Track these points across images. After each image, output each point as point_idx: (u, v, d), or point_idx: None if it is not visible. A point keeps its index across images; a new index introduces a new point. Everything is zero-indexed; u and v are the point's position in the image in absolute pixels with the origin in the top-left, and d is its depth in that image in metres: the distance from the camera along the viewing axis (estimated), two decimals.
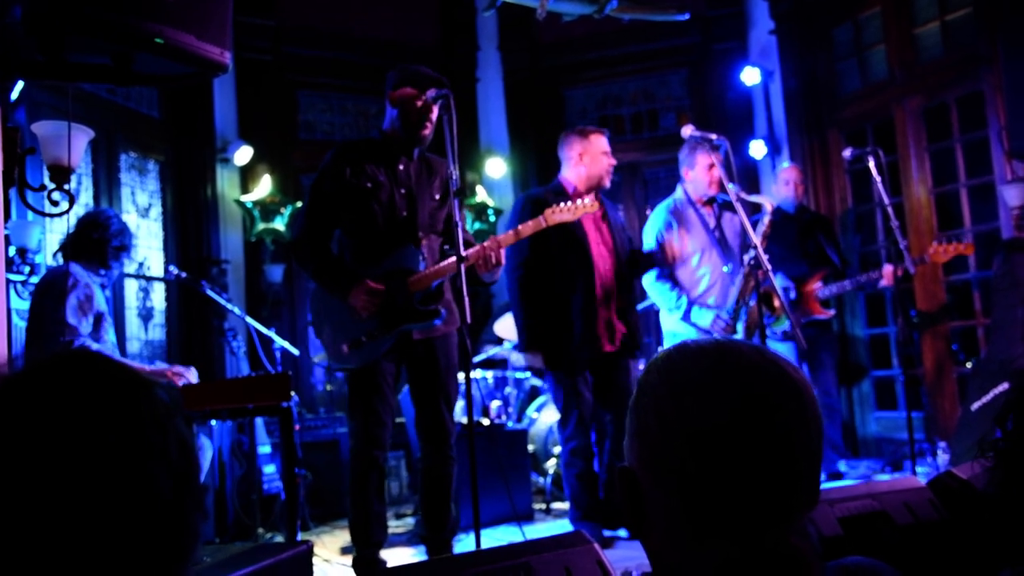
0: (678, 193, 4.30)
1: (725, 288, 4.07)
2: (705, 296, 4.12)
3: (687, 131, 3.84)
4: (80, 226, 3.75)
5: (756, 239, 3.72)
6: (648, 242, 4.24)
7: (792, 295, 4.80)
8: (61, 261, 3.85)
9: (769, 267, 3.67)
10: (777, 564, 0.84)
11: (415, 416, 3.43)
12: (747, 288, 3.91)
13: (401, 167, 3.40)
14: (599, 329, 3.85)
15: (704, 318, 4.02)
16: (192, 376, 3.69)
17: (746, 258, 3.82)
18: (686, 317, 4.06)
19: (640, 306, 5.04)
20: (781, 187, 5.19)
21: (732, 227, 4.23)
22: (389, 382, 3.32)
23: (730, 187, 3.80)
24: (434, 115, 3.36)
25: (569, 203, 3.42)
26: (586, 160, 3.95)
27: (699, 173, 4.18)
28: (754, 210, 4.37)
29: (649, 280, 4.22)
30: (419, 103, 3.32)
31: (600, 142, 3.96)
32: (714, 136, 3.88)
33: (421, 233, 3.36)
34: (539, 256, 3.88)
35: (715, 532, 0.85)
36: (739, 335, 3.94)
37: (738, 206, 3.78)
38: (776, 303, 4.24)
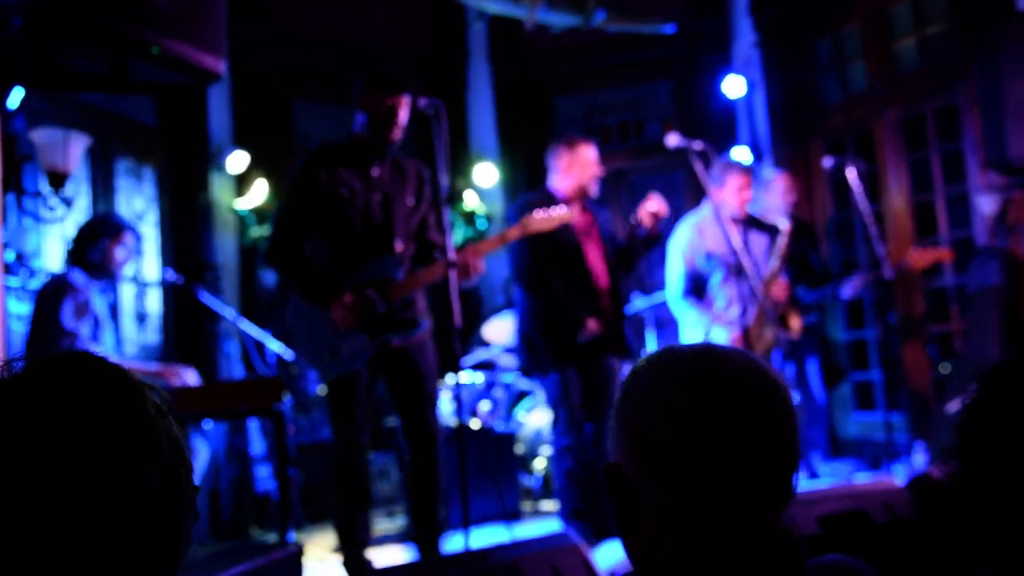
0: (704, 210, 4.30)
1: (747, 307, 4.07)
2: (727, 314, 4.14)
3: (672, 140, 3.85)
4: (78, 232, 3.81)
5: (769, 268, 3.80)
6: (673, 256, 4.27)
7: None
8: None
9: (753, 274, 3.74)
10: (771, 553, 0.85)
11: (400, 422, 3.44)
12: (763, 310, 3.95)
13: (375, 172, 3.37)
14: (592, 329, 3.85)
15: (721, 337, 4.05)
16: (190, 377, 3.75)
17: (730, 259, 3.88)
18: (706, 336, 4.12)
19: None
20: (775, 196, 4.96)
21: (758, 246, 4.26)
22: (368, 386, 3.33)
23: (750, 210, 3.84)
24: (401, 118, 3.32)
25: (548, 211, 3.45)
26: (573, 171, 3.95)
27: (728, 194, 4.17)
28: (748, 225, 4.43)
29: (675, 297, 4.24)
30: (385, 107, 3.29)
31: (587, 152, 3.97)
32: (698, 145, 3.93)
33: (397, 240, 3.34)
34: (536, 262, 3.90)
35: (708, 523, 0.86)
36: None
37: (726, 218, 3.84)
38: (795, 324, 4.25)
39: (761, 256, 4.23)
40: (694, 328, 4.18)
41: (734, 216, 4.20)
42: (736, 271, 4.10)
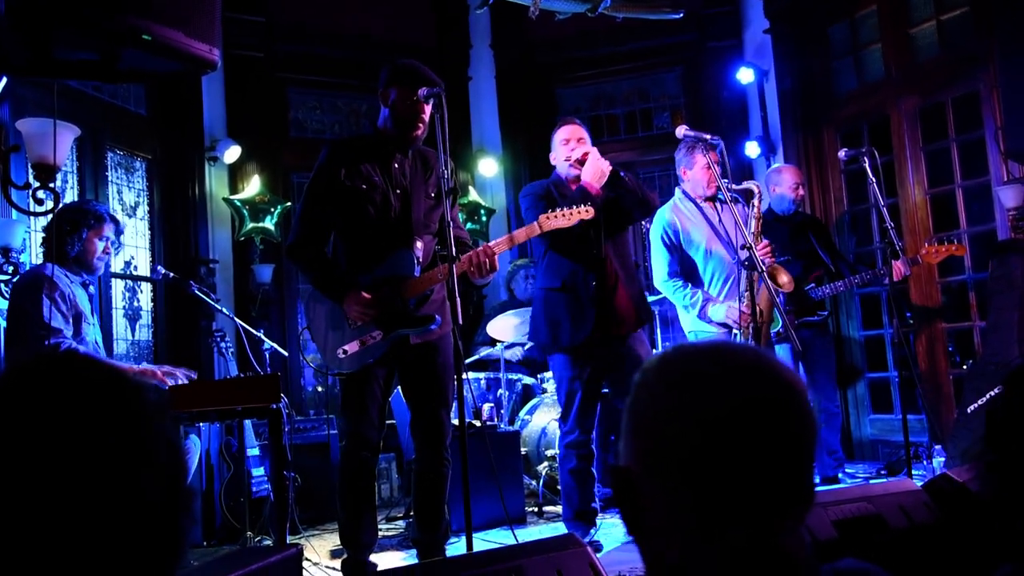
0: (677, 194, 4.31)
1: (735, 281, 4.06)
2: (715, 290, 4.13)
3: (681, 131, 3.81)
4: (56, 221, 3.64)
5: (749, 233, 3.78)
6: (654, 243, 4.23)
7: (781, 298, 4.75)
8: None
9: (763, 267, 3.63)
10: (776, 558, 0.84)
11: (411, 419, 3.40)
12: (752, 280, 3.87)
13: (396, 165, 3.32)
14: (602, 313, 3.70)
15: (718, 312, 4.01)
16: (182, 375, 3.63)
17: (742, 255, 3.79)
18: (702, 315, 4.05)
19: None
20: (785, 188, 5.01)
21: (733, 220, 4.21)
22: (381, 384, 3.29)
23: (722, 183, 3.80)
24: (426, 114, 3.28)
25: (565, 209, 3.38)
26: (555, 158, 3.90)
27: (697, 173, 4.18)
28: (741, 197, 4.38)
29: (660, 280, 4.20)
30: (410, 102, 3.24)
31: (559, 134, 3.87)
32: (708, 136, 3.84)
33: (416, 235, 3.29)
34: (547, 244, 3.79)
35: (716, 524, 0.84)
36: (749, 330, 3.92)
37: (728, 207, 3.75)
38: (784, 279, 4.21)
39: (738, 230, 4.17)
40: (689, 310, 4.13)
41: (707, 195, 4.20)
42: (716, 246, 4.12)
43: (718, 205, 4.20)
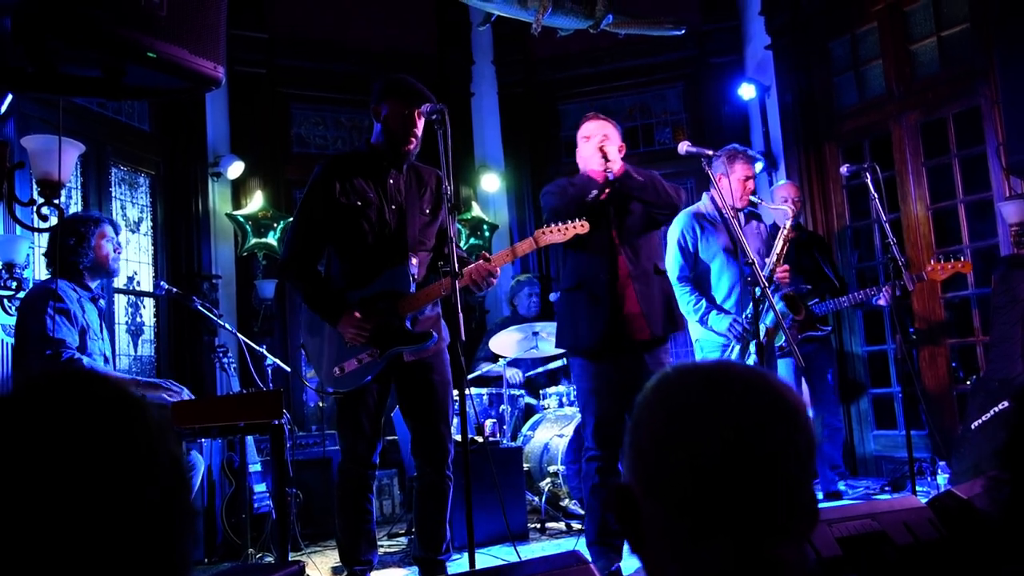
0: (704, 199, 4.27)
1: (746, 294, 4.03)
2: (726, 301, 4.12)
3: (683, 147, 3.78)
4: (59, 237, 3.63)
5: (774, 253, 3.84)
6: (670, 244, 4.18)
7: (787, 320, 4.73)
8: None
9: (766, 282, 3.62)
10: (767, 572, 0.84)
11: (412, 437, 3.38)
12: (763, 296, 3.83)
13: (391, 181, 3.32)
14: (618, 317, 3.47)
15: (720, 323, 3.97)
16: (185, 395, 3.63)
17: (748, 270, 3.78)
18: (703, 322, 4.03)
19: None
20: (778, 204, 5.04)
21: (757, 236, 4.23)
22: (376, 401, 3.28)
23: (753, 198, 3.80)
24: (418, 129, 3.27)
25: (560, 224, 3.30)
26: (582, 152, 3.64)
27: (734, 183, 4.13)
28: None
29: (670, 281, 4.16)
30: (402, 117, 3.23)
31: (584, 129, 3.63)
32: (711, 151, 3.83)
33: (411, 252, 3.28)
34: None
35: (713, 548, 0.84)
36: (753, 347, 3.90)
37: (735, 224, 3.74)
38: (799, 307, 4.20)
39: (759, 247, 4.17)
40: (691, 316, 4.09)
41: (736, 206, 4.15)
42: (734, 257, 4.07)
43: (742, 217, 4.19)
